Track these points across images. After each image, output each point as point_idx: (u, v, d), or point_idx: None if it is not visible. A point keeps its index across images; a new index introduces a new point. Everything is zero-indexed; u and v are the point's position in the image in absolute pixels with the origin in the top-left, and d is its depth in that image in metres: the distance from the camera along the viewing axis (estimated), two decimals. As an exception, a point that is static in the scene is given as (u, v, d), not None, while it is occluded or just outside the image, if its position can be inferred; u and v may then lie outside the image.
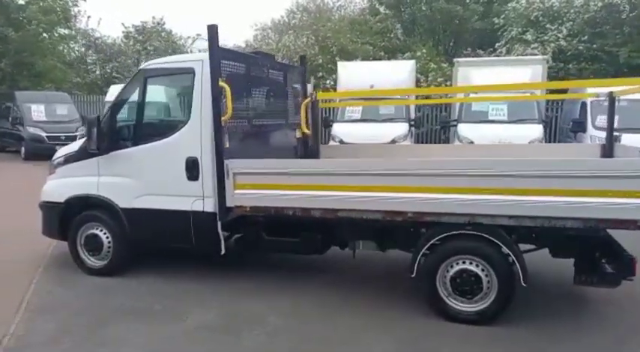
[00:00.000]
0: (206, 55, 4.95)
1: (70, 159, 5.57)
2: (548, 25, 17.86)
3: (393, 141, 12.03)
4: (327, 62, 20.15)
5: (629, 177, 3.65)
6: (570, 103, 14.37)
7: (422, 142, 15.90)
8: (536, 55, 17.03)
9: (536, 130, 11.86)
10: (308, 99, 4.75)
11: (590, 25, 17.55)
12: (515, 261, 4.02)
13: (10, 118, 17.82)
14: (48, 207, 5.68)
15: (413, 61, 14.63)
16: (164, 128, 5.30)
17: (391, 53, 21.62)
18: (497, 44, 19.09)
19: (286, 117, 6.22)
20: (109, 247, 5.40)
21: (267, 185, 4.64)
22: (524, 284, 4.01)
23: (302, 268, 5.64)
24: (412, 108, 13.78)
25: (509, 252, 4.04)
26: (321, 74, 19.84)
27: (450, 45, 23.79)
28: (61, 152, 5.88)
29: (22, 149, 16.98)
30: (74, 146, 5.78)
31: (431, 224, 4.26)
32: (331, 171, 4.43)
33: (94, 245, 5.43)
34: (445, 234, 4.19)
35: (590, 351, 3.82)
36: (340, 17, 26.88)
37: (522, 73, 13.18)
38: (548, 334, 4.03)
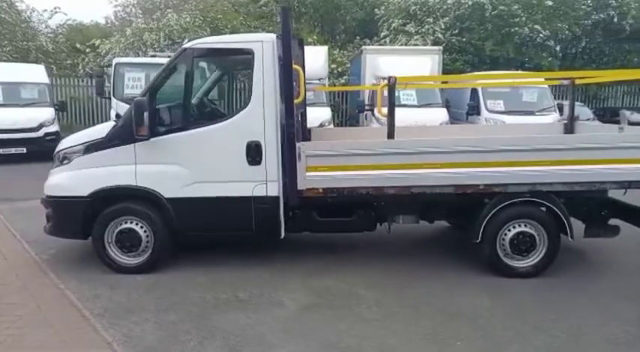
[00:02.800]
0: (265, 36, 4.89)
1: (92, 147, 4.93)
2: (427, 19, 19.79)
3: (321, 125, 12.44)
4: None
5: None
6: (453, 90, 16.35)
7: (338, 126, 16.57)
8: (417, 45, 18.90)
9: (443, 113, 13.44)
10: (385, 83, 4.93)
11: (460, 21, 19.94)
12: (566, 221, 4.83)
13: None
14: (62, 203, 4.98)
15: (326, 47, 15.19)
16: (217, 112, 5.02)
17: (279, 38, 21.82)
18: (382, 34, 20.55)
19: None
20: (148, 242, 4.98)
21: (341, 166, 4.79)
22: (572, 239, 4.87)
23: (335, 246, 5.85)
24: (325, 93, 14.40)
25: (561, 214, 4.83)
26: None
27: (330, 33, 24.76)
28: (72, 141, 5.15)
29: None
30: (93, 133, 5.12)
31: (494, 194, 4.86)
32: (409, 151, 4.75)
33: (129, 241, 4.95)
34: (509, 202, 4.83)
35: (622, 284, 4.81)
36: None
37: (424, 61, 14.71)
38: (589, 277, 4.96)
